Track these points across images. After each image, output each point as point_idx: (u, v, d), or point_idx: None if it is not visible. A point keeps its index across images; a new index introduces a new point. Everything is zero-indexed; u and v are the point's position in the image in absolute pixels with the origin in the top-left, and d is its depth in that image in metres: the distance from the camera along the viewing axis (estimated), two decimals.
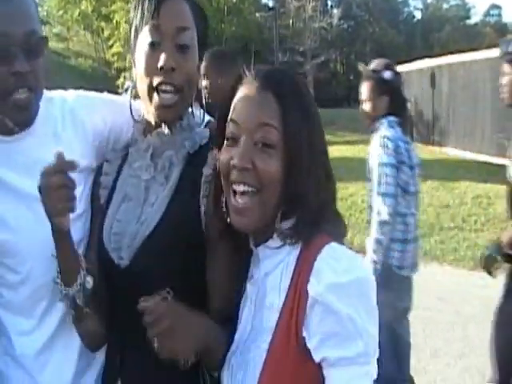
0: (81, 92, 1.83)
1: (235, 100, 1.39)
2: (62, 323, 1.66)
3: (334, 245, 1.31)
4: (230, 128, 1.37)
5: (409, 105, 20.18)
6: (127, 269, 1.56)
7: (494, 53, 15.63)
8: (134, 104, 1.69)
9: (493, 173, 13.30)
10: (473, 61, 16.83)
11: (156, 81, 1.54)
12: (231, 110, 1.39)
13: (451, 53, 19.79)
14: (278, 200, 1.34)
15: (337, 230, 1.41)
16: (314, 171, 1.35)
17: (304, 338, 1.26)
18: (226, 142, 1.39)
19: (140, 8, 1.57)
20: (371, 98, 3.78)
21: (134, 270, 1.54)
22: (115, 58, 29.87)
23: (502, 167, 12.54)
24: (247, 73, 1.41)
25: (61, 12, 35.55)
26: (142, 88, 1.58)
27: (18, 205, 1.60)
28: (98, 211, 1.70)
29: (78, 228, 1.64)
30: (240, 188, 1.33)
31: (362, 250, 3.85)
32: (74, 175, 1.58)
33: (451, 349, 5.00)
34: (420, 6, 77.60)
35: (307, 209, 1.35)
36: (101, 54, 37.16)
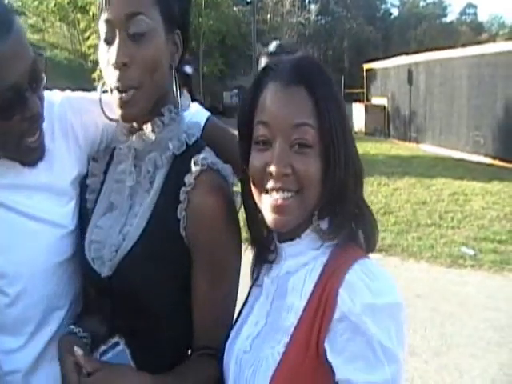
0: (66, 94, 1.68)
1: (263, 98, 1.28)
2: (51, 342, 1.56)
3: (367, 261, 1.25)
4: (260, 131, 1.26)
5: (385, 101, 20.45)
6: (109, 280, 1.46)
7: (471, 51, 15.87)
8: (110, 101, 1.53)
9: (469, 170, 13.48)
10: (450, 58, 17.03)
11: (112, 80, 1.39)
12: (260, 109, 1.28)
13: (428, 50, 19.98)
14: (317, 199, 1.27)
15: (370, 237, 1.34)
16: (352, 166, 1.28)
17: (325, 350, 1.20)
18: (256, 145, 1.28)
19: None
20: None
21: (116, 282, 1.46)
22: (91, 50, 29.60)
23: (478, 164, 12.76)
24: (272, 67, 1.29)
25: (36, 3, 35.14)
26: (108, 89, 1.44)
27: (4, 222, 1.50)
28: (84, 216, 1.58)
29: (69, 244, 1.56)
30: (280, 195, 1.25)
31: None
32: (65, 189, 1.55)
33: (429, 346, 4.99)
34: (397, 3, 78.38)
35: (347, 206, 1.29)
36: (77, 46, 36.85)
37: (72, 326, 1.50)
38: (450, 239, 8.09)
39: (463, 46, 18.48)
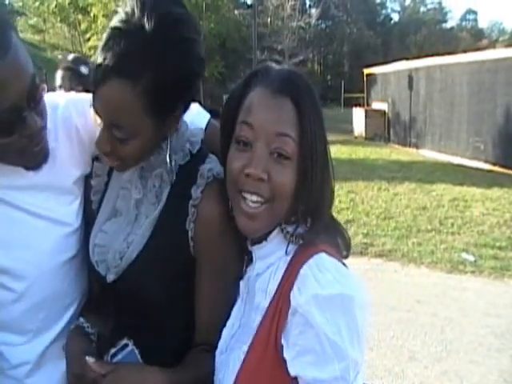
0: (71, 96, 1.71)
1: (248, 100, 1.30)
2: (58, 340, 1.58)
3: (323, 255, 1.24)
4: (243, 131, 1.28)
5: (386, 106, 20.40)
6: (114, 283, 1.49)
7: (471, 57, 15.88)
8: None
9: (469, 176, 13.48)
10: (450, 64, 17.03)
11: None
12: (245, 110, 1.30)
13: (428, 55, 19.99)
14: (288, 209, 1.29)
15: (343, 241, 1.37)
16: (327, 182, 1.32)
17: (282, 346, 1.21)
18: (236, 144, 1.30)
19: None
20: (66, 87, 3.81)
21: (121, 286, 1.49)
22: (92, 51, 29.56)
23: (478, 170, 12.74)
24: (263, 72, 1.32)
25: (37, 3, 35.17)
26: None
27: (11, 220, 1.51)
28: (89, 217, 1.61)
29: (74, 242, 1.58)
30: (253, 198, 1.26)
31: None
32: (69, 188, 1.58)
33: (429, 352, 4.99)
34: (397, 8, 78.36)
35: (322, 219, 1.31)
36: (77, 48, 36.80)
37: (82, 319, 1.55)
38: (450, 245, 8.07)
39: (463, 52, 18.51)
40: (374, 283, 6.51)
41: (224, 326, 1.43)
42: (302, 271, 1.22)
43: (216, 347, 1.41)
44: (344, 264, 1.28)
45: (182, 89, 1.38)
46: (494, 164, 14.42)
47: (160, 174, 1.49)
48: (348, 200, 10.79)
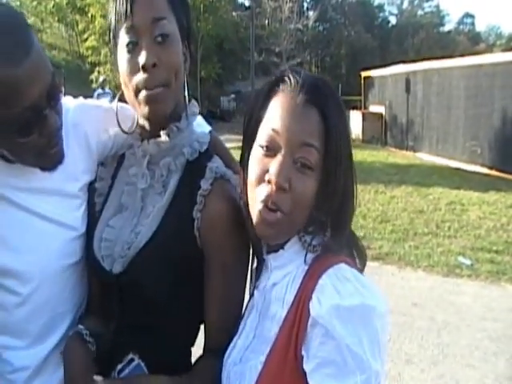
0: (81, 101, 1.72)
1: (275, 105, 1.29)
2: (58, 346, 1.58)
3: (343, 265, 1.24)
4: (268, 136, 1.27)
5: (383, 109, 20.43)
6: (120, 277, 1.50)
7: (469, 61, 15.92)
8: (123, 111, 1.61)
9: (466, 179, 13.50)
10: (447, 67, 17.06)
11: (140, 81, 1.44)
12: (270, 115, 1.30)
13: (426, 59, 20.03)
14: (307, 219, 1.29)
15: (359, 254, 1.36)
16: (350, 193, 1.31)
17: (302, 357, 1.19)
18: (258, 148, 1.30)
19: (114, 8, 1.47)
20: None
21: (127, 279, 1.49)
22: (89, 51, 29.61)
23: (475, 174, 12.73)
24: (291, 77, 1.30)
25: (35, 3, 35.15)
26: (129, 93, 1.49)
27: (20, 223, 1.52)
28: (91, 220, 1.63)
29: (79, 247, 1.59)
30: (272, 207, 1.25)
31: None
32: (77, 193, 1.60)
33: (425, 355, 5.00)
34: (395, 11, 78.46)
35: (340, 231, 1.30)
36: (75, 48, 36.82)
37: (81, 326, 1.53)
38: (446, 248, 8.08)
39: (461, 55, 18.55)
40: None
41: (235, 333, 1.42)
42: (321, 281, 1.20)
43: (225, 351, 1.41)
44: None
45: (189, 27, 1.56)
46: (491, 168, 14.45)
47: (168, 163, 1.53)
48: None
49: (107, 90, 15.72)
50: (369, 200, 11.15)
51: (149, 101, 1.44)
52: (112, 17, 1.48)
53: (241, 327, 1.43)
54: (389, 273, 7.13)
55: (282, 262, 1.35)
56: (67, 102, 1.66)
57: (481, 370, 4.70)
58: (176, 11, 1.49)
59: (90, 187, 1.65)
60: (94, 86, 23.33)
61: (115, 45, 1.50)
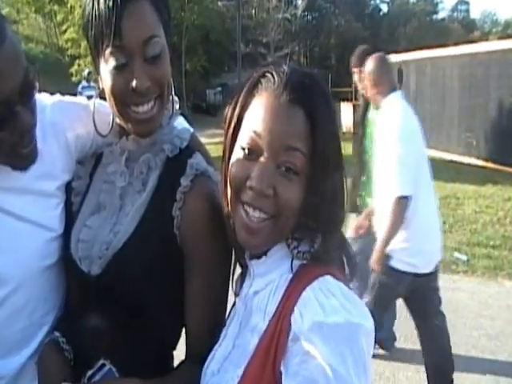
0: (59, 99, 1.69)
1: (257, 105, 1.24)
2: (34, 355, 1.55)
3: (329, 278, 1.20)
4: (250, 139, 1.22)
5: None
6: (97, 278, 1.49)
7: (463, 50, 15.95)
8: (102, 109, 1.59)
9: (461, 172, 13.53)
10: (441, 57, 17.07)
11: (131, 99, 1.43)
12: (252, 115, 1.25)
13: (418, 48, 20.05)
14: (293, 226, 1.25)
15: (349, 261, 1.32)
16: (339, 197, 1.27)
17: (281, 373, 1.16)
18: (240, 150, 1.25)
19: (95, 17, 1.39)
20: None
21: (105, 281, 1.48)
22: (69, 44, 29.40)
23: (470, 166, 12.70)
24: (274, 74, 1.24)
25: None
26: (114, 105, 1.46)
27: None
28: (68, 219, 1.61)
29: (56, 248, 1.58)
30: (255, 214, 1.22)
31: None
32: (54, 193, 1.59)
33: (420, 355, 4.99)
34: None
35: (329, 237, 1.26)
36: (53, 40, 36.60)
37: (57, 333, 1.52)
38: (441, 244, 8.05)
39: (455, 44, 18.59)
40: None
41: (216, 342, 1.40)
42: (304, 294, 1.17)
43: (205, 359, 1.39)
44: (349, 287, 1.24)
45: (168, 19, 1.51)
46: (487, 160, 14.50)
47: (148, 159, 1.52)
48: None
49: (92, 83, 15.56)
50: None
51: (139, 121, 1.45)
52: (94, 27, 1.41)
53: (222, 335, 1.40)
54: None
55: (265, 269, 1.31)
56: (44, 99, 1.64)
57: (478, 369, 4.73)
58: (163, 16, 1.46)
59: (68, 186, 1.63)
60: (74, 79, 23.25)
61: (97, 54, 1.45)
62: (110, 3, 1.35)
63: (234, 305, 1.45)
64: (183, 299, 1.50)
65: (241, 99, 1.29)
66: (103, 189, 1.58)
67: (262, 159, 1.21)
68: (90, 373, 1.40)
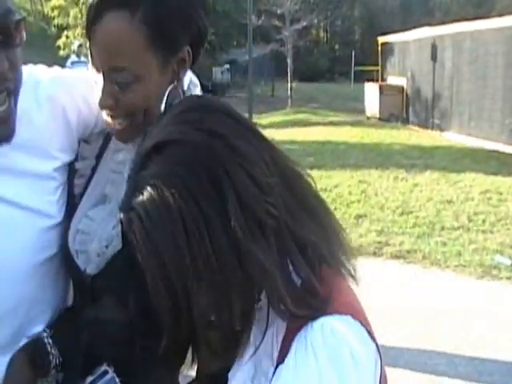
0: (56, 71, 1.72)
1: None
2: None
3: (331, 321, 1.12)
4: None
5: (404, 80, 20.47)
6: (93, 279, 1.54)
7: (508, 21, 15.78)
8: None
9: (504, 164, 13.47)
10: (482, 30, 16.92)
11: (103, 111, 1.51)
12: None
13: (456, 20, 19.95)
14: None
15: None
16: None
17: None
18: None
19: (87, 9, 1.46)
20: None
21: (102, 283, 1.52)
22: (55, 12, 29.31)
23: None
24: None
25: None
26: None
27: None
28: (71, 203, 1.65)
29: (56, 238, 1.59)
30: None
31: None
32: (51, 174, 1.60)
33: (456, 373, 4.90)
34: None
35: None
36: (37, 7, 36.81)
37: (44, 334, 1.57)
38: (481, 245, 8.06)
39: (499, 15, 18.44)
40: (389, 289, 6.50)
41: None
42: (293, 345, 1.14)
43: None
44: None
45: (184, 23, 1.47)
46: None
47: None
48: (359, 191, 10.87)
49: (83, 58, 15.43)
50: (387, 188, 11.21)
51: (112, 130, 1.53)
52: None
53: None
54: (411, 273, 7.18)
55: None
56: (39, 71, 1.67)
57: None
58: (157, 30, 1.44)
59: (70, 167, 1.66)
60: (61, 53, 23.25)
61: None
62: (92, 11, 1.41)
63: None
64: None
65: None
66: (110, 179, 1.61)
67: None
68: (90, 379, 1.44)
